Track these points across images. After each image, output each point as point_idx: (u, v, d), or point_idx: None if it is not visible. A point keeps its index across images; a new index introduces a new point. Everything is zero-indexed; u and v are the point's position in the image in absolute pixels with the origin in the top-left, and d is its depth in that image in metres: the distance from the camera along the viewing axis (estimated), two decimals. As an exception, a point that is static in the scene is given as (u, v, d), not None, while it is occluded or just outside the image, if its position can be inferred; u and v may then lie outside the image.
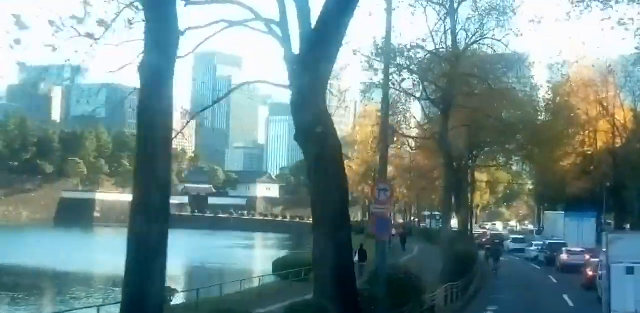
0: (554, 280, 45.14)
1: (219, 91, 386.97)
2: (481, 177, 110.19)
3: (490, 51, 42.76)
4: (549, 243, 61.50)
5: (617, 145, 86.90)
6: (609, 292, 25.76)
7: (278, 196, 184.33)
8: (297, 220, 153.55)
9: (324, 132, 15.57)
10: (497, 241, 70.18)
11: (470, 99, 39.13)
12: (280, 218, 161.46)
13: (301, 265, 38.99)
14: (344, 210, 17.09)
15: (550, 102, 71.89)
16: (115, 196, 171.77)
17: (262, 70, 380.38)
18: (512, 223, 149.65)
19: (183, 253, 71.58)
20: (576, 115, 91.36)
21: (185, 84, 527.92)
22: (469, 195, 66.32)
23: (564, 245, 55.95)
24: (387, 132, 19.99)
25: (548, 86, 71.63)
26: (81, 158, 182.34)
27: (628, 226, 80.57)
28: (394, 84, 34.52)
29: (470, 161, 54.95)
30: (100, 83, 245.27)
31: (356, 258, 45.06)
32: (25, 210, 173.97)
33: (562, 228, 68.79)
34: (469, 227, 67.30)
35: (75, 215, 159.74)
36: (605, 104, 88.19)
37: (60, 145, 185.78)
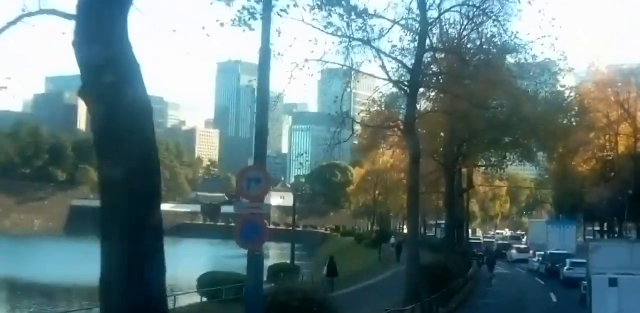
0: (554, 299, 39.47)
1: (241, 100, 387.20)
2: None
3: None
4: (550, 253, 56.52)
5: (639, 150, 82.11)
6: (590, 307, 23.91)
7: (292, 205, 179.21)
8: (310, 229, 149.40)
9: (116, 84, 10.36)
10: (490, 250, 67.61)
11: (454, 84, 33.81)
12: (292, 228, 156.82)
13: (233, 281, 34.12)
14: (148, 208, 10.78)
15: (566, 101, 66.56)
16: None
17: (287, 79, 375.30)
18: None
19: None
20: (595, 117, 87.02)
21: (208, 93, 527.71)
22: (464, 200, 61.40)
23: (567, 255, 50.36)
24: (266, 87, 14.96)
25: (561, 84, 66.14)
26: (93, 166, 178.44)
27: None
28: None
29: (460, 159, 48.95)
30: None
31: (324, 271, 41.97)
32: (37, 218, 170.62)
33: (545, 235, 70.67)
34: (464, 235, 61.93)
35: (85, 224, 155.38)
36: (626, 106, 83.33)
37: (73, 153, 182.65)
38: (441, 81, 35.42)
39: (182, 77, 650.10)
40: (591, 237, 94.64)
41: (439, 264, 34.37)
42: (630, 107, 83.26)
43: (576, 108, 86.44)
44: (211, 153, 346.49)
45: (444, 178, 49.78)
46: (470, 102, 33.19)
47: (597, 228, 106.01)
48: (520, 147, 49.35)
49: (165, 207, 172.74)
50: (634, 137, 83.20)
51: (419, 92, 33.85)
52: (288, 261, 48.58)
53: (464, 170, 57.10)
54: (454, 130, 43.66)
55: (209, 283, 34.36)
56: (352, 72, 30.04)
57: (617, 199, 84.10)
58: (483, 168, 62.57)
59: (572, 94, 78.04)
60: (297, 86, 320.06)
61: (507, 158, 51.58)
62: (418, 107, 34.55)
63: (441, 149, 47.85)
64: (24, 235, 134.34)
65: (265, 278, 38.41)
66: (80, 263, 70.77)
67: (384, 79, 30.48)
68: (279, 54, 24.70)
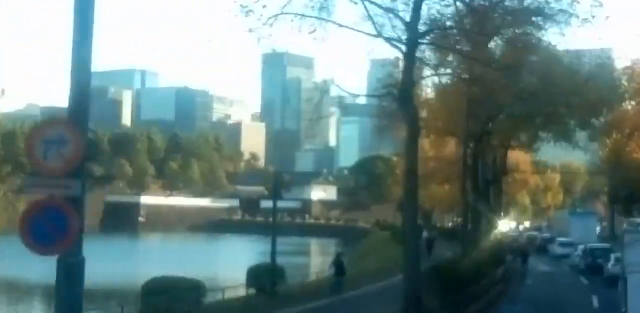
0: (595, 304, 32.69)
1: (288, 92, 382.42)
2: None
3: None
4: (590, 248, 50.14)
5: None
6: (626, 309, 20.50)
7: (335, 198, 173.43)
8: (351, 224, 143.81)
9: None
10: (523, 243, 64.49)
11: (468, 43, 27.38)
12: (334, 222, 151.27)
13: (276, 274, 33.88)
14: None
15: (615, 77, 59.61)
16: (161, 199, 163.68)
17: (335, 71, 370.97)
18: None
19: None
20: None
21: (254, 85, 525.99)
22: (501, 187, 54.59)
23: (610, 250, 43.53)
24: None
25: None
26: (129, 161, 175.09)
27: None
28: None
29: (485, 139, 41.86)
30: (171, 86, 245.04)
31: (332, 270, 36.06)
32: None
33: (568, 226, 73.47)
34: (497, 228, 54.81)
35: (120, 221, 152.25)
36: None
37: (110, 147, 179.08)
38: (454, 40, 28.65)
39: (228, 70, 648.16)
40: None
41: (451, 264, 28.25)
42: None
43: (630, 90, 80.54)
44: (257, 147, 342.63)
45: (467, 161, 42.74)
46: (489, 65, 26.58)
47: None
48: (555, 124, 42.14)
49: (202, 202, 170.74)
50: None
51: (425, 55, 27.61)
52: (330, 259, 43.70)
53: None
54: (476, 104, 36.88)
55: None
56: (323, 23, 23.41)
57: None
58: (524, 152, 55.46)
59: (625, 75, 71.88)
60: (343, 77, 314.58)
61: (540, 137, 44.51)
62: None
63: (464, 127, 40.66)
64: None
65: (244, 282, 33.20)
66: (116, 262, 67.85)
67: (372, 35, 24.01)
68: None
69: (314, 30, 23.17)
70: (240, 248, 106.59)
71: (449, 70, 33.19)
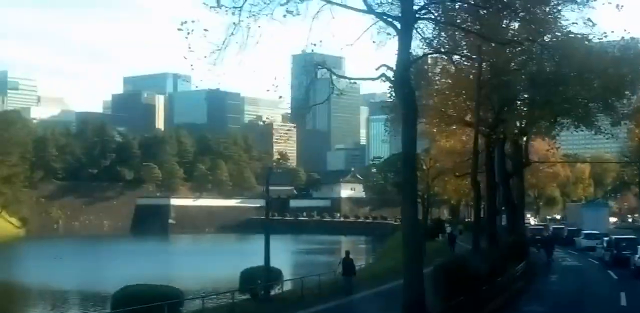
0: (623, 302, 30.21)
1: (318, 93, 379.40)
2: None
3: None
4: (615, 239, 47.82)
5: None
6: None
7: (364, 196, 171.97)
8: (380, 220, 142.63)
9: None
10: (548, 235, 64.55)
11: (471, 17, 25.71)
12: (362, 219, 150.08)
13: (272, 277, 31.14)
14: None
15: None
16: (190, 201, 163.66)
17: (364, 71, 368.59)
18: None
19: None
20: None
21: (284, 86, 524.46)
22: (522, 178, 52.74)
23: (637, 241, 41.65)
24: None
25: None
26: (158, 164, 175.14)
27: None
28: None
29: (501, 127, 39.89)
30: (203, 89, 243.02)
31: (340, 269, 34.50)
32: (106, 219, 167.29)
33: (581, 217, 76.63)
34: (519, 221, 53.01)
35: (150, 223, 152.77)
36: None
37: (140, 151, 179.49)
38: (461, 18, 27.19)
39: (259, 72, 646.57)
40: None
41: (460, 262, 26.55)
42: None
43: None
44: (289, 147, 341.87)
45: (478, 151, 40.96)
46: (497, 41, 25.12)
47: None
48: (575, 108, 40.13)
49: (231, 202, 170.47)
50: None
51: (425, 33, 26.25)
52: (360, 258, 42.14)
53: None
54: (489, 89, 35.37)
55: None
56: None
57: None
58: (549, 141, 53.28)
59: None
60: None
61: (560, 123, 42.47)
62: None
63: (476, 114, 38.72)
64: (90, 237, 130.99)
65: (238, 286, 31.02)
66: (144, 264, 67.37)
67: (363, 11, 22.68)
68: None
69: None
70: (274, 247, 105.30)
71: (451, 48, 31.06)
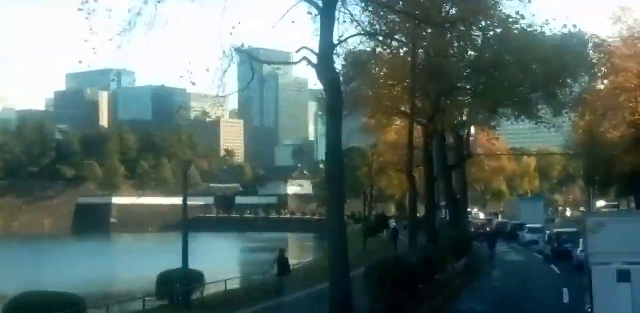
0: (566, 299, 28.55)
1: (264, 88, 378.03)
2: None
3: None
4: (556, 232, 47.40)
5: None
6: (592, 309, 17.64)
7: (312, 192, 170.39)
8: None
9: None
10: (492, 229, 64.94)
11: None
12: (309, 217, 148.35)
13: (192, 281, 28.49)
14: None
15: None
16: (133, 200, 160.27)
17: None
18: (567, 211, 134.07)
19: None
20: (625, 77, 77.64)
21: (231, 82, 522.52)
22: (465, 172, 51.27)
23: (578, 234, 40.71)
24: None
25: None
26: (100, 162, 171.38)
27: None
28: None
29: (438, 117, 37.81)
30: (148, 86, 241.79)
31: (274, 269, 32.27)
32: (47, 218, 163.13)
33: (519, 210, 79.51)
34: (462, 216, 51.39)
35: (92, 223, 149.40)
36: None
37: (82, 149, 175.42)
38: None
39: (205, 68, 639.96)
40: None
41: (394, 261, 24.99)
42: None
43: (603, 69, 77.96)
44: (236, 143, 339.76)
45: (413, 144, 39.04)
46: (430, 23, 23.37)
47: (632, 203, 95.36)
48: (515, 97, 38.47)
49: (176, 200, 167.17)
50: (670, 95, 73.14)
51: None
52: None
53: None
54: (425, 78, 33.58)
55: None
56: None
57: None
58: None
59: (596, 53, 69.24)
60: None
61: (500, 113, 40.85)
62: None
63: (414, 103, 36.75)
64: (29, 237, 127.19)
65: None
66: (68, 266, 64.41)
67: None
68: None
69: None
70: (212, 247, 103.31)
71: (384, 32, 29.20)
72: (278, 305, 28.57)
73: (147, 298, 28.22)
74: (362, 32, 26.24)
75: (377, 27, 28.74)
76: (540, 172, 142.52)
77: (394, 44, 32.69)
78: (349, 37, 22.32)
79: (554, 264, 42.43)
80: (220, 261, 75.62)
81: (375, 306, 22.83)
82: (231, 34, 23.07)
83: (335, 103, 21.27)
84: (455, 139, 49.72)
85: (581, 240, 37.39)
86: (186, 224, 28.57)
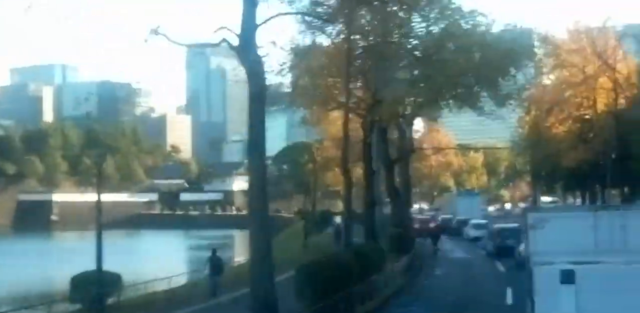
0: (510, 300, 26.92)
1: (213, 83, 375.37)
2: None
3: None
4: (498, 228, 46.61)
5: (620, 107, 72.00)
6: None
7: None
8: (274, 213, 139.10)
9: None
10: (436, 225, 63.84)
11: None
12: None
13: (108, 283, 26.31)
14: None
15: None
16: (75, 197, 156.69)
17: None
18: (508, 205, 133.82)
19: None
20: (571, 72, 77.38)
21: (179, 77, 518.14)
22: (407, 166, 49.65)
23: (520, 231, 39.90)
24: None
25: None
26: (42, 158, 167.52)
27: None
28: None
29: (377, 108, 35.93)
30: (94, 81, 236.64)
31: (206, 270, 31.02)
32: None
33: (456, 205, 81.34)
34: (404, 211, 49.62)
35: (33, 220, 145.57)
36: (604, 57, 72.93)
37: (23, 145, 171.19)
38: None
39: (152, 63, 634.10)
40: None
41: (326, 262, 23.37)
42: (609, 58, 72.76)
43: (550, 60, 77.51)
44: (183, 139, 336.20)
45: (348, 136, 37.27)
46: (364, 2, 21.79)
47: (578, 199, 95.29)
48: (457, 86, 36.87)
49: (119, 197, 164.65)
50: (614, 92, 72.97)
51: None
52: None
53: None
54: (362, 67, 32.00)
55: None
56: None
57: (598, 163, 74.24)
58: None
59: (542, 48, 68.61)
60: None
61: (443, 104, 39.32)
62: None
63: (348, 92, 34.77)
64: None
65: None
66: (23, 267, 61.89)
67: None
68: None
69: None
70: (152, 245, 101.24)
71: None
72: (203, 309, 26.81)
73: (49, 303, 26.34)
74: (294, 12, 24.63)
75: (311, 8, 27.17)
76: (487, 167, 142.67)
77: (332, 31, 31.21)
78: (273, 17, 20.54)
79: (498, 261, 41.16)
80: (157, 260, 73.53)
81: (305, 308, 21.28)
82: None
83: (257, 89, 19.67)
84: (399, 133, 48.20)
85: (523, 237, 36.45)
86: (100, 222, 26.40)
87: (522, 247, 34.26)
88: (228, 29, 19.51)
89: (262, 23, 19.59)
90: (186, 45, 21.12)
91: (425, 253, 47.28)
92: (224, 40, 19.81)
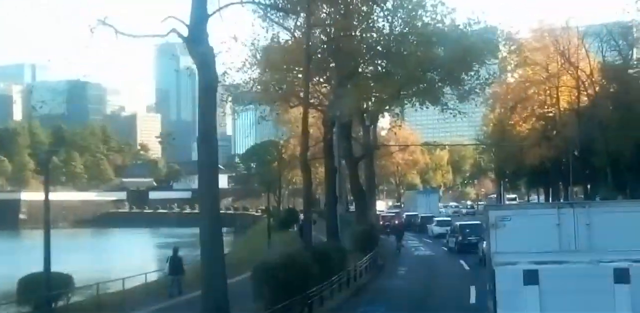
0: (472, 299, 26.58)
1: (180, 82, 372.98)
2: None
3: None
4: (460, 225, 46.78)
5: (583, 104, 73.05)
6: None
7: (227, 186, 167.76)
8: (242, 211, 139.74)
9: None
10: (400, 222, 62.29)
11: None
12: (224, 211, 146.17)
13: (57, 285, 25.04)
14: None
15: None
16: (43, 195, 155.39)
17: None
18: (469, 202, 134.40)
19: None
20: (534, 70, 78.31)
21: (148, 76, 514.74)
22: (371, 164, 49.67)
23: (482, 227, 40.05)
24: None
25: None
26: (9, 156, 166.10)
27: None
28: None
29: (340, 104, 35.72)
30: (63, 80, 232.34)
31: (166, 269, 30.88)
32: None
33: (415, 202, 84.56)
34: (368, 209, 49.58)
35: (0, 219, 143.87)
36: (567, 55, 73.98)
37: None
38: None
39: (121, 62, 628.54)
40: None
41: (284, 261, 22.82)
42: (572, 57, 73.77)
43: (513, 60, 78.25)
44: (153, 138, 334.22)
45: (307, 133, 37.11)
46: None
47: (542, 196, 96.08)
48: (419, 82, 36.77)
49: (88, 196, 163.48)
50: (576, 90, 74.14)
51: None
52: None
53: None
54: (322, 62, 32.00)
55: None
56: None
57: (561, 160, 75.20)
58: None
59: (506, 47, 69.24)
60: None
61: (405, 99, 39.15)
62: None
63: (308, 86, 34.31)
64: None
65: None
66: None
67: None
68: None
69: None
70: (118, 244, 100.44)
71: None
72: (157, 310, 26.61)
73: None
74: (245, 1, 24.41)
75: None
76: (452, 165, 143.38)
77: (292, 25, 31.23)
78: (224, 7, 20.23)
79: (462, 259, 40.90)
80: (120, 258, 72.91)
81: (261, 309, 21.14)
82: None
83: (207, 80, 19.44)
84: (363, 130, 48.13)
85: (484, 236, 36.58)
86: (48, 221, 25.90)
87: (484, 244, 34.69)
88: (177, 19, 19.26)
89: (213, 13, 19.36)
90: (134, 36, 20.68)
91: (390, 250, 47.10)
92: (174, 30, 19.47)
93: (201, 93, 19.52)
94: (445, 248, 49.20)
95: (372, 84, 36.26)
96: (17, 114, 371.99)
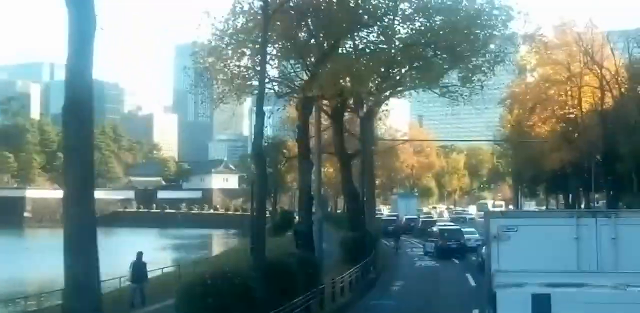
0: None
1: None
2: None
3: None
4: (440, 229, 46.37)
5: (607, 106, 68.66)
6: None
7: (237, 187, 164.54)
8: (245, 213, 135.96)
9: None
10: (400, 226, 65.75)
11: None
12: (232, 212, 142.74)
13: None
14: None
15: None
16: (48, 193, 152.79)
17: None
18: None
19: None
20: (554, 70, 74.18)
21: (167, 77, 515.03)
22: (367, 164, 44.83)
23: (461, 232, 36.56)
24: None
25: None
26: (17, 153, 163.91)
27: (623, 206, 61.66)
28: None
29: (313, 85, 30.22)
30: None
31: (128, 276, 27.59)
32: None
33: (397, 205, 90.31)
34: (364, 211, 44.22)
35: (5, 216, 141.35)
36: (590, 52, 69.62)
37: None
38: None
39: (140, 63, 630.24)
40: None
41: (213, 281, 16.97)
42: (595, 54, 69.37)
43: (532, 61, 74.27)
44: (170, 138, 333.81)
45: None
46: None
47: (562, 201, 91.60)
48: (413, 59, 31.63)
49: (95, 194, 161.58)
50: (600, 90, 69.59)
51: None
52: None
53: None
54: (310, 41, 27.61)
55: None
56: None
57: (582, 165, 70.69)
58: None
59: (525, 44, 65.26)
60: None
61: (395, 77, 34.03)
62: None
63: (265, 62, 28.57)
64: None
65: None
66: None
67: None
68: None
69: None
70: (120, 244, 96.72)
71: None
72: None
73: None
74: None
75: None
76: (469, 169, 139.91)
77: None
78: None
79: (469, 272, 36.19)
80: (106, 261, 68.71)
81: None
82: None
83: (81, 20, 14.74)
84: (361, 123, 43.02)
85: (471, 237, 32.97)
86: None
87: (483, 249, 30.04)
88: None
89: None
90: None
91: (387, 260, 42.67)
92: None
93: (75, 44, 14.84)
94: (456, 260, 43.81)
95: (354, 58, 30.89)
96: (35, 112, 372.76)
